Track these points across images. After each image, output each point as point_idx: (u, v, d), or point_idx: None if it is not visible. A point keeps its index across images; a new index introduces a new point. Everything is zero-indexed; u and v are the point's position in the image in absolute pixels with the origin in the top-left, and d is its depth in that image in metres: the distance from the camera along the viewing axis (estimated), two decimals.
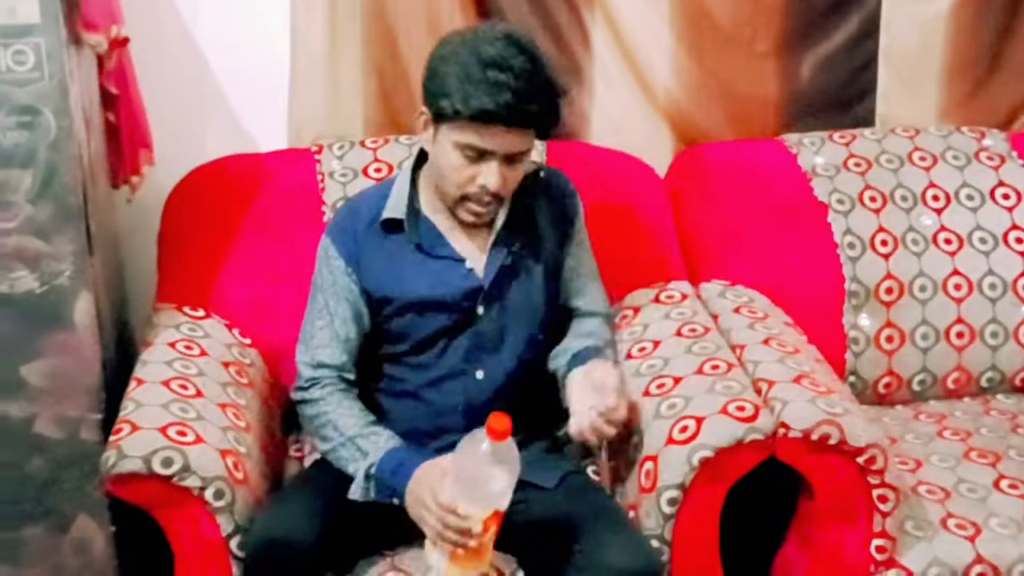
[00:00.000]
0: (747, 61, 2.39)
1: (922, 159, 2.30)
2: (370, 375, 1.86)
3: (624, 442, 1.83)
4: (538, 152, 2.20)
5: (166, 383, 1.80)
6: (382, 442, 1.73)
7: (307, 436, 2.04)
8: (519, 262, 1.83)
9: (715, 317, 2.06)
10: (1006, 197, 2.28)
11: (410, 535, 1.71)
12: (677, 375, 1.84)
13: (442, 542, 1.59)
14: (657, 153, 2.36)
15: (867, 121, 2.44)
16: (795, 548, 1.87)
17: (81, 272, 1.78)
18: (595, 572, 1.61)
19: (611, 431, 1.69)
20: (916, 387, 2.22)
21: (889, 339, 2.19)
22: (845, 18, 2.39)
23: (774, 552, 1.91)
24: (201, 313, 2.04)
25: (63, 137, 1.72)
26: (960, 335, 2.21)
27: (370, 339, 1.84)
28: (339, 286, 1.81)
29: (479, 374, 1.81)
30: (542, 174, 1.88)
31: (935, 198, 2.26)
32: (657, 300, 2.09)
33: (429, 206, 1.83)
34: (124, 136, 2.04)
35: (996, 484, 1.91)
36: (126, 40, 1.96)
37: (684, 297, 2.10)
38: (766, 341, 1.94)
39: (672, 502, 1.71)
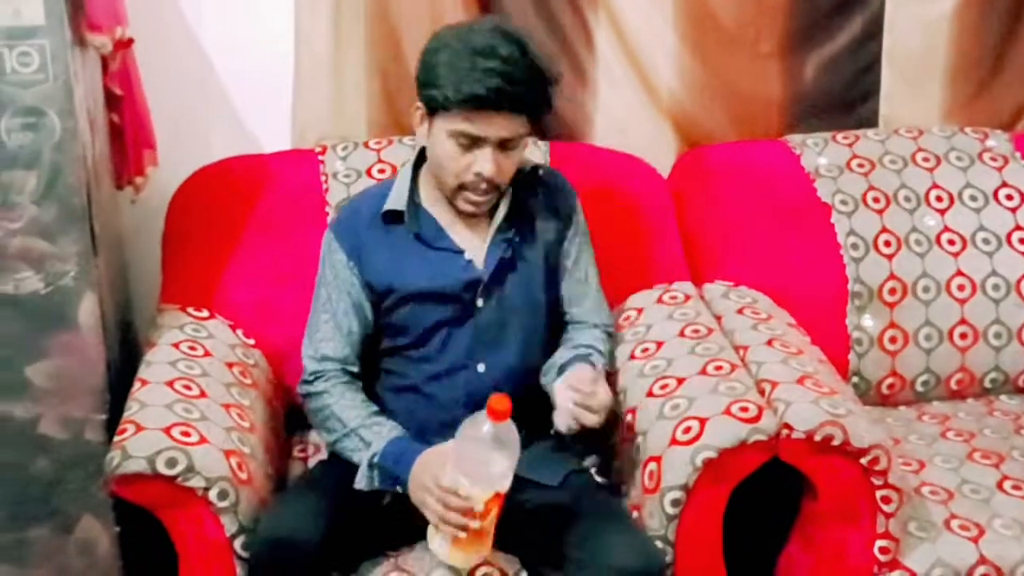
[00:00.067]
0: (751, 62, 2.39)
1: (925, 160, 2.30)
2: (373, 372, 1.88)
3: (625, 438, 1.83)
4: (541, 153, 2.21)
5: (170, 384, 1.81)
6: (385, 432, 1.75)
7: (311, 435, 2.05)
8: (519, 256, 1.85)
9: (718, 318, 2.06)
10: (1009, 198, 2.28)
11: (414, 536, 1.72)
12: (680, 376, 1.84)
13: (444, 526, 1.61)
14: (660, 154, 2.36)
15: (871, 122, 2.44)
16: (798, 549, 1.87)
17: (85, 273, 1.78)
18: (597, 571, 1.61)
19: (592, 417, 1.69)
20: (919, 388, 2.22)
21: (892, 340, 2.19)
22: (849, 19, 2.39)
23: (777, 553, 1.91)
24: (205, 314, 2.04)
25: (67, 138, 1.72)
26: (963, 336, 2.21)
27: (373, 335, 1.86)
28: (340, 280, 1.83)
29: (480, 367, 1.82)
30: (540, 172, 1.90)
31: (938, 199, 2.26)
32: (660, 301, 2.08)
33: (429, 200, 1.85)
34: (128, 137, 2.04)
35: (999, 485, 1.91)
36: (130, 41, 1.96)
37: (687, 298, 2.10)
38: (769, 342, 1.94)
39: (675, 503, 1.71)
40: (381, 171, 2.17)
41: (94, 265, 1.79)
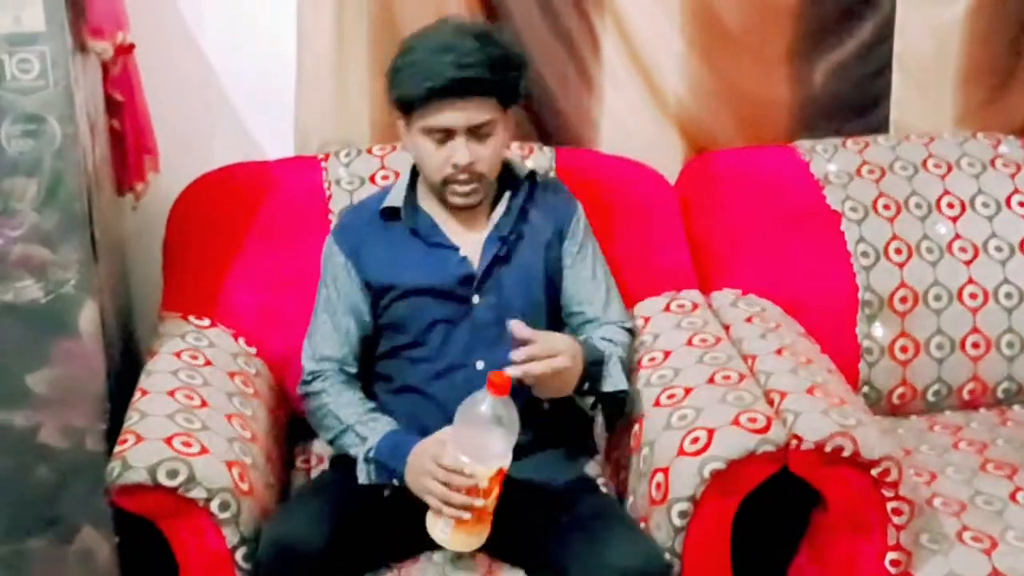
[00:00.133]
0: (758, 67, 2.37)
1: (937, 166, 2.28)
2: (373, 374, 1.91)
3: (632, 448, 1.81)
4: (547, 159, 2.19)
5: (171, 393, 1.80)
6: (380, 427, 1.78)
7: (315, 445, 2.04)
8: (515, 254, 1.87)
9: (727, 327, 2.04)
10: (1022, 205, 2.26)
11: (417, 547, 1.72)
12: (688, 386, 1.83)
13: (448, 509, 1.61)
14: (667, 160, 2.34)
15: (881, 128, 2.42)
16: (808, 561, 1.85)
17: (86, 280, 1.77)
18: (600, 571, 1.61)
19: (540, 367, 1.68)
20: (931, 398, 2.20)
21: (903, 349, 2.17)
22: (859, 23, 2.37)
23: (787, 564, 1.89)
24: (207, 322, 2.04)
25: (68, 145, 1.72)
26: (976, 345, 2.19)
27: (372, 337, 1.89)
28: (339, 280, 1.88)
29: (480, 364, 1.83)
30: (539, 178, 1.94)
31: (950, 206, 2.25)
32: (668, 309, 2.07)
33: (426, 200, 1.90)
34: (129, 143, 2.03)
35: (1013, 496, 1.89)
36: (132, 46, 1.95)
37: (695, 306, 2.08)
38: (778, 351, 1.93)
39: (683, 515, 1.69)
40: (384, 178, 2.16)
41: (95, 273, 1.79)
